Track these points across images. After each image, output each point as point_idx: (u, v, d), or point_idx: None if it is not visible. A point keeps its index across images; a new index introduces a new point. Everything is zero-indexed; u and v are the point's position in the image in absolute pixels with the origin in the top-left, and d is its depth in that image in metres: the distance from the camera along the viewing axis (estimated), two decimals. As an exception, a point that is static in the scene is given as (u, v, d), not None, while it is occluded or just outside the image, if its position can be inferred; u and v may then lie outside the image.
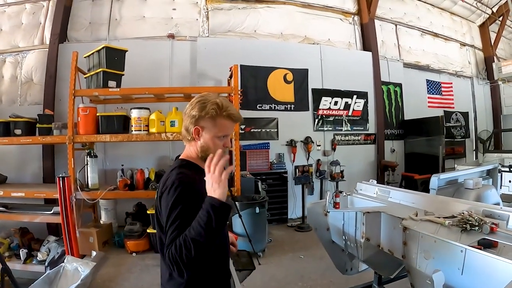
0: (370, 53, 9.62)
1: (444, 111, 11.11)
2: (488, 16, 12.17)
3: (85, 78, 6.16)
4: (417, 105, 10.51)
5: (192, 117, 1.79)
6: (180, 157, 1.90)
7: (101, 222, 6.69)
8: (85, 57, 6.10)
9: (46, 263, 5.31)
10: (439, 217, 2.47)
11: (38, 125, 6.05)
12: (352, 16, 9.85)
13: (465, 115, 11.81)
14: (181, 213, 1.56)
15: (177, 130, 5.68)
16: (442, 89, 11.30)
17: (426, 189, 5.21)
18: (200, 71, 7.89)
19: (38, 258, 5.47)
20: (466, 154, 11.66)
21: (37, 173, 7.26)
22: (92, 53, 5.95)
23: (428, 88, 11.02)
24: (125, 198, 6.63)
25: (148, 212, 5.94)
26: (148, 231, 5.87)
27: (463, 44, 12.23)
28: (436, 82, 11.21)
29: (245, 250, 2.50)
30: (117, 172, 6.60)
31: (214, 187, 1.54)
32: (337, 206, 3.57)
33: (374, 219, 2.94)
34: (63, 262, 4.65)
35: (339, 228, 3.40)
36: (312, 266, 5.34)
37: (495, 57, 12.34)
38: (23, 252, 5.52)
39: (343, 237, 3.38)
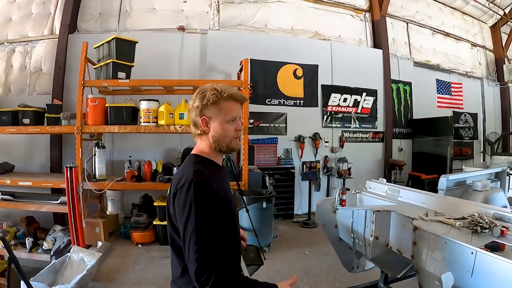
0: (381, 50, 9.55)
1: (453, 111, 10.99)
2: (500, 17, 12.04)
3: (94, 68, 6.17)
4: (426, 104, 10.44)
5: (196, 109, 1.77)
6: (192, 153, 1.86)
7: (108, 212, 6.70)
8: (94, 48, 6.09)
9: (52, 252, 5.35)
10: (449, 218, 2.45)
11: (46, 114, 6.04)
12: (364, 13, 9.78)
13: (474, 116, 11.71)
14: (200, 221, 1.55)
15: (186, 122, 5.66)
16: (452, 89, 11.20)
17: (433, 189, 5.18)
18: (210, 64, 7.86)
19: (43, 247, 5.52)
20: (473, 155, 11.55)
21: (45, 163, 7.29)
22: (102, 44, 5.94)
23: (437, 88, 10.93)
24: (132, 190, 6.63)
25: (154, 204, 5.94)
26: (154, 223, 5.86)
27: (474, 45, 12.10)
28: (446, 82, 11.11)
29: (253, 245, 2.49)
30: (124, 163, 6.60)
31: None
32: (344, 203, 3.54)
33: (384, 218, 2.92)
34: (69, 251, 4.68)
35: (348, 225, 3.38)
36: (317, 263, 5.34)
37: (506, 59, 12.22)
38: (29, 241, 5.57)
39: (352, 234, 3.36)
